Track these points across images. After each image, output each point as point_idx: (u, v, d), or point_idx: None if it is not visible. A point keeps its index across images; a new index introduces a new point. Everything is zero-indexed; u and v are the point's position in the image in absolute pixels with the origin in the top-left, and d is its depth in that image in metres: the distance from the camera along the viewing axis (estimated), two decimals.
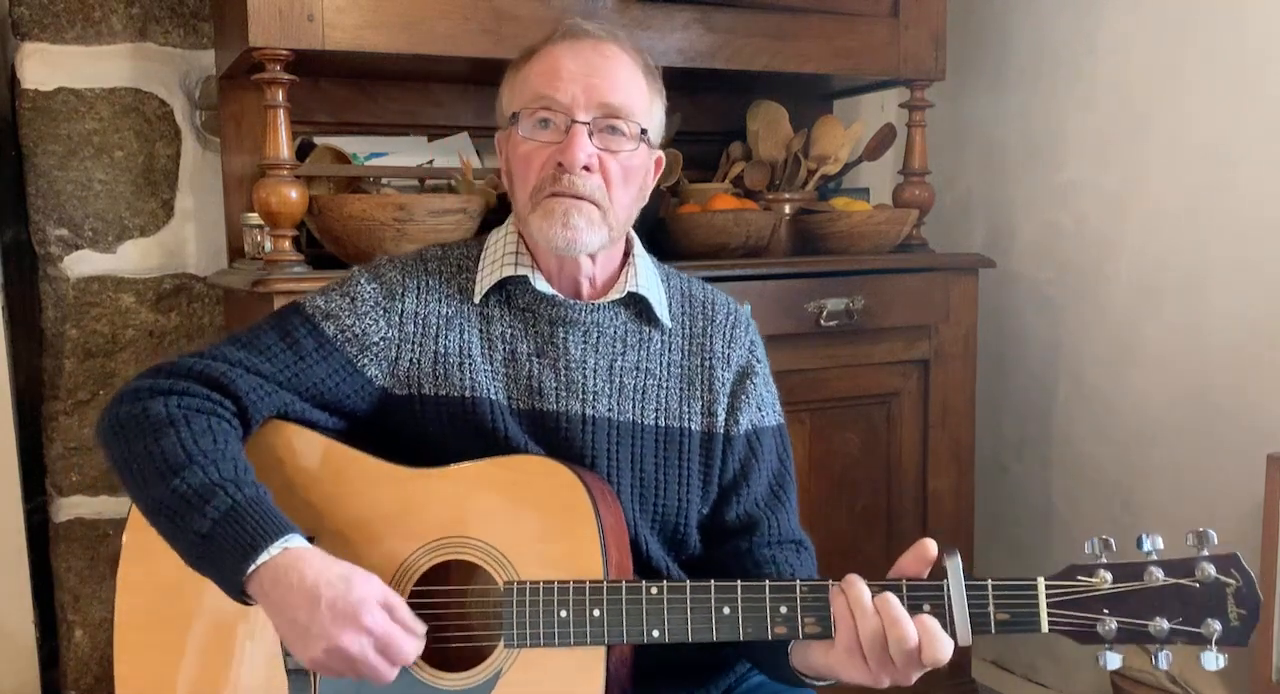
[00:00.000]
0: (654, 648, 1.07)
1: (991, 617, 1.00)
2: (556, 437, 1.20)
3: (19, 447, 2.09)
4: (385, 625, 1.01)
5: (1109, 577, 0.99)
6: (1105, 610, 0.99)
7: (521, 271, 1.21)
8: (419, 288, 1.23)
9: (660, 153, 1.27)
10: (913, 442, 2.16)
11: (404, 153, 2.03)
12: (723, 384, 1.26)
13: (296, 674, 1.10)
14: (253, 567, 1.00)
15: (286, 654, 1.09)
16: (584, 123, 1.16)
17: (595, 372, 1.22)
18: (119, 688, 1.14)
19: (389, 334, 1.20)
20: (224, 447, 1.07)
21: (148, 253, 2.11)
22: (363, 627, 1.00)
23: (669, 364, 1.25)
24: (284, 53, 1.67)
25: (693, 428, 1.24)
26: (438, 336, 1.21)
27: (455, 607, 1.12)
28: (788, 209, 2.15)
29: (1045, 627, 1.00)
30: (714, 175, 2.24)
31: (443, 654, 1.10)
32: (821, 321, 1.99)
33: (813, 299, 1.99)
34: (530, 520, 1.11)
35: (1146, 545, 1.00)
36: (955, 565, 1.01)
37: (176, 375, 1.13)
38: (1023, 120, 2.44)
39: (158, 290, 2.12)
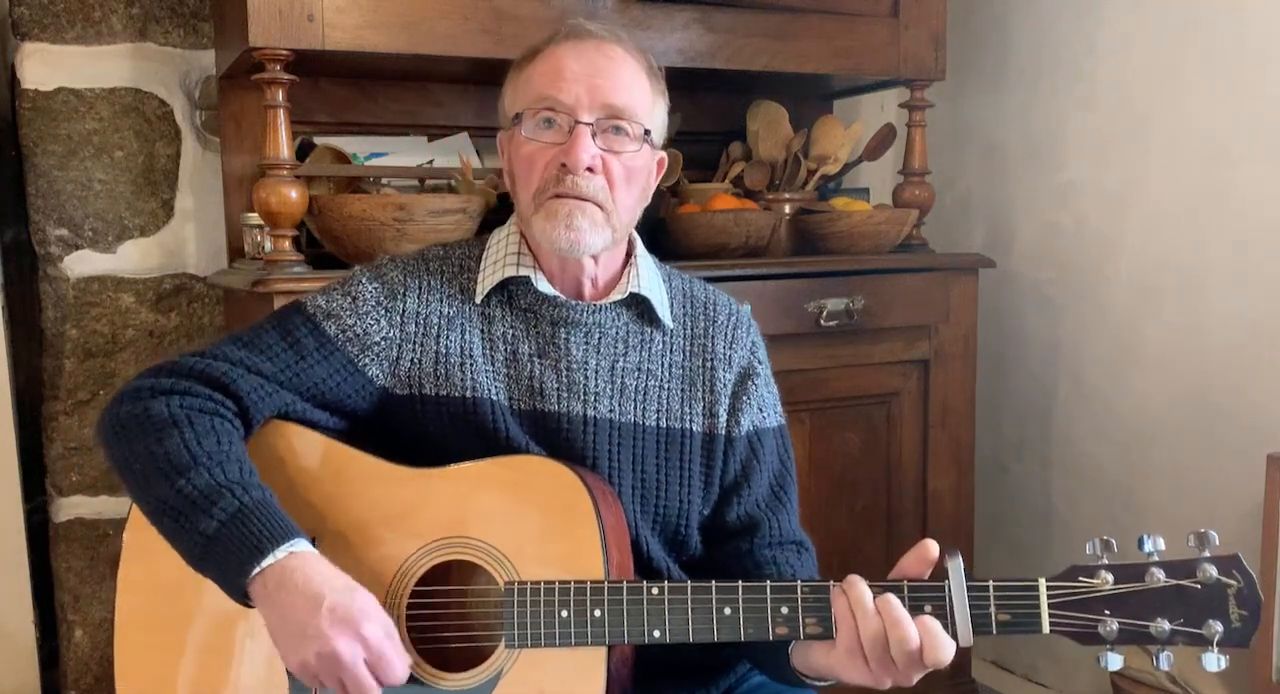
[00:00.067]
0: (655, 648, 1.07)
1: (993, 617, 1.00)
2: (558, 437, 1.19)
3: (19, 447, 2.09)
4: (382, 640, 1.00)
5: (1110, 578, 0.99)
6: (1106, 611, 0.99)
7: (523, 272, 1.21)
8: (420, 288, 1.23)
9: (663, 153, 1.27)
10: (913, 442, 2.16)
11: (404, 153, 2.03)
12: (724, 385, 1.26)
13: None
14: (258, 569, 1.00)
15: None
16: (587, 124, 1.16)
17: (597, 372, 1.22)
18: (119, 688, 1.14)
19: (390, 334, 1.20)
20: (228, 448, 1.07)
21: (148, 253, 2.11)
22: (360, 635, 0.99)
23: (670, 365, 1.25)
24: (284, 53, 1.67)
25: (694, 429, 1.24)
26: (439, 337, 1.20)
27: (456, 607, 1.12)
28: (788, 209, 2.15)
29: (1046, 627, 1.00)
30: (714, 175, 2.24)
31: (443, 654, 1.10)
32: (821, 322, 1.99)
33: (813, 299, 1.99)
34: (531, 520, 1.10)
35: (1148, 546, 1.00)
36: (956, 566, 1.01)
37: (178, 375, 1.13)
38: (1023, 120, 2.44)
39: (158, 290, 2.12)
